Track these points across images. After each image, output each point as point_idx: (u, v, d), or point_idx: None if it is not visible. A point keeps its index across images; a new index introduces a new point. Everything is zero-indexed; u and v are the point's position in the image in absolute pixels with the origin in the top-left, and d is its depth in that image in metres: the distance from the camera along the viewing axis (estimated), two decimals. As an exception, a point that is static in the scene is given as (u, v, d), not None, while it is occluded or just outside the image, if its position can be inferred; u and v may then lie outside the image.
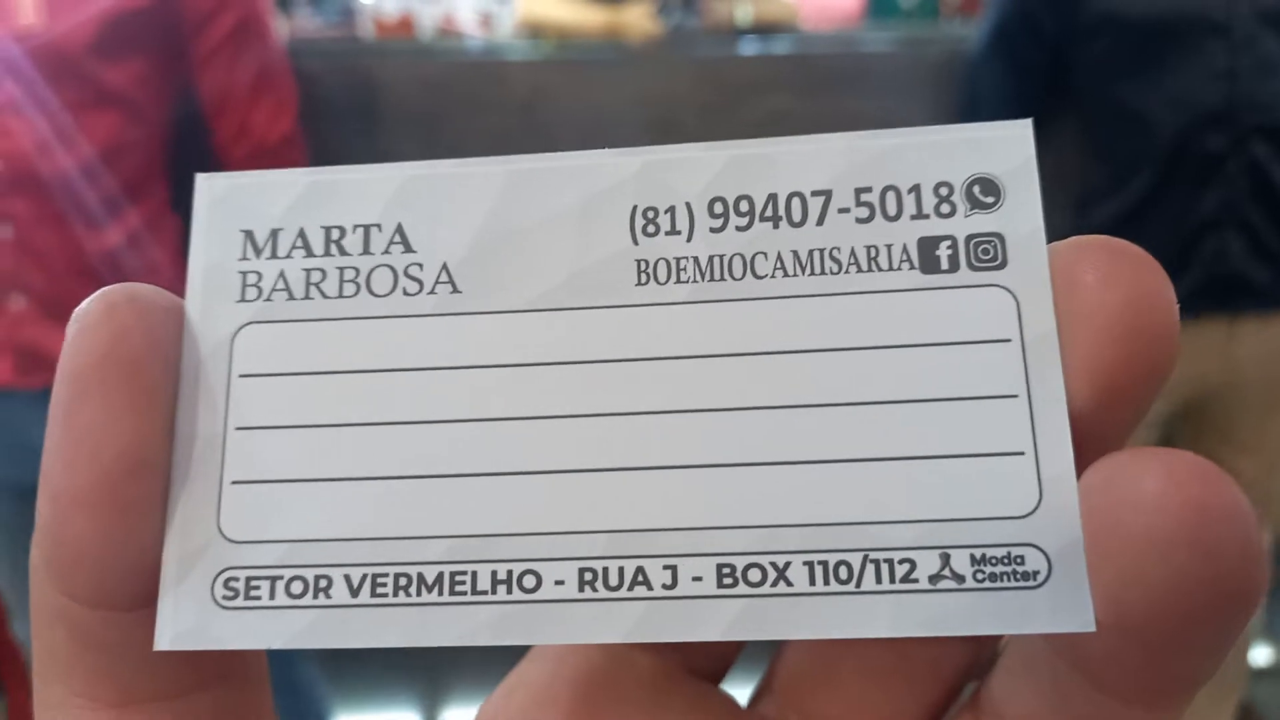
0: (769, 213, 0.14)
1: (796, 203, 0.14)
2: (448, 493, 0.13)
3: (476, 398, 0.14)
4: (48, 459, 0.13)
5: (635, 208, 0.14)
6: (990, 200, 0.14)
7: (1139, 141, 0.98)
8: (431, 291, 0.14)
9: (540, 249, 0.14)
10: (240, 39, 0.93)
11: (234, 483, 0.14)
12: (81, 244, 0.86)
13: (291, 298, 0.14)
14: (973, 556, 0.13)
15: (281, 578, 0.13)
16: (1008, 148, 0.14)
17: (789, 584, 0.13)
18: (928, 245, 0.14)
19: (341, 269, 0.14)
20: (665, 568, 0.13)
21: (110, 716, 0.13)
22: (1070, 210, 1.04)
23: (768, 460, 0.13)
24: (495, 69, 1.22)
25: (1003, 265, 0.13)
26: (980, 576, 0.13)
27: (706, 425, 0.13)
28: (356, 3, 1.52)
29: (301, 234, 0.15)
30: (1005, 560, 0.13)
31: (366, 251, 0.14)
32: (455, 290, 0.14)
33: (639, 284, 0.14)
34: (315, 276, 0.14)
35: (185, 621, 0.13)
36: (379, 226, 0.14)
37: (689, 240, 0.14)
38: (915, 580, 0.13)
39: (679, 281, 0.14)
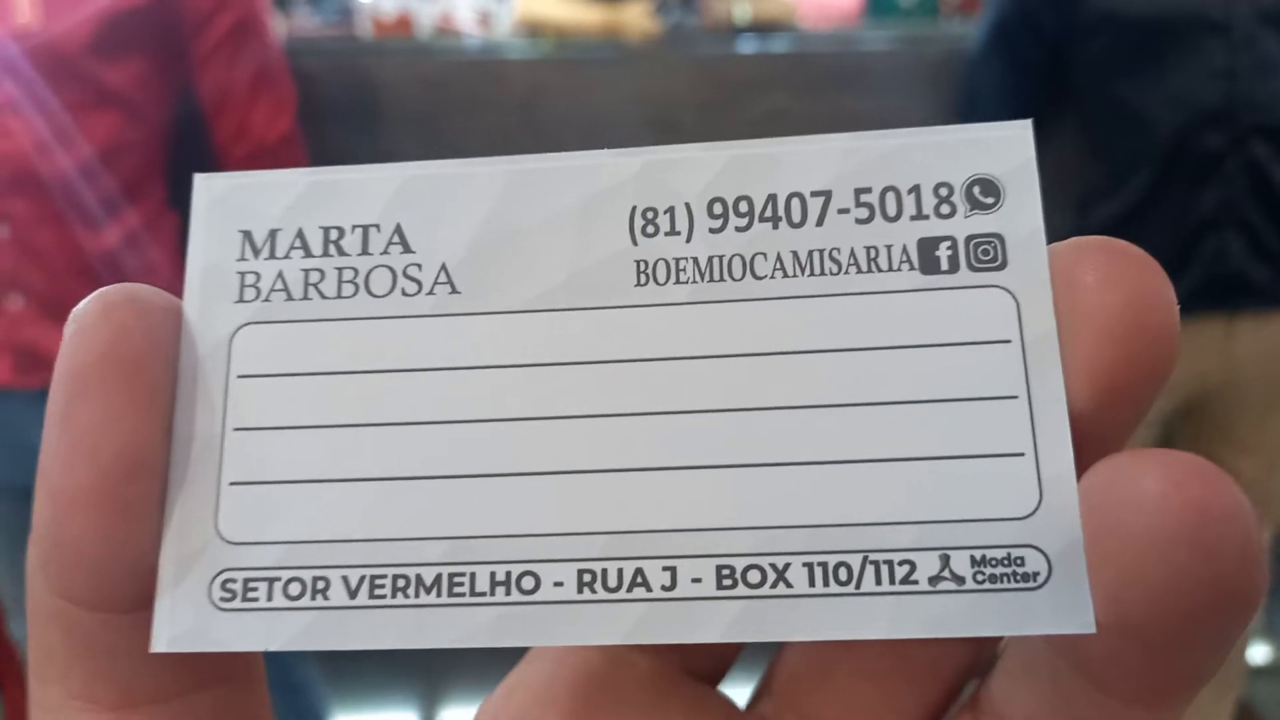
0: (768, 213, 0.14)
1: (796, 203, 0.14)
2: (446, 494, 0.13)
3: (475, 399, 0.14)
4: (45, 459, 0.13)
5: (635, 208, 0.14)
6: (990, 201, 0.14)
7: (1138, 141, 0.98)
8: (430, 292, 0.14)
9: (539, 249, 0.14)
10: (239, 39, 0.93)
11: (232, 484, 0.14)
12: (80, 244, 0.86)
13: (290, 298, 0.14)
14: (973, 558, 0.13)
15: (279, 579, 0.13)
16: (1007, 148, 0.14)
17: (788, 585, 0.13)
18: (927, 246, 0.14)
19: (340, 269, 0.14)
20: (664, 569, 0.13)
21: (108, 719, 0.13)
22: (1070, 210, 1.04)
23: (767, 461, 0.13)
24: (494, 68, 1.22)
25: (1003, 266, 0.13)
26: (980, 578, 0.13)
27: (705, 426, 0.13)
28: (355, 2, 1.52)
29: (300, 234, 0.15)
30: (1005, 561, 0.12)
31: (365, 252, 0.14)
32: (454, 291, 0.14)
33: (638, 284, 0.14)
34: (314, 277, 0.14)
35: (182, 623, 0.13)
36: (378, 227, 0.14)
37: (688, 241, 0.14)
38: (915, 581, 0.13)
39: (678, 282, 0.14)
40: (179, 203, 0.94)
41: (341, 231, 0.14)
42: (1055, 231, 0.13)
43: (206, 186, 0.15)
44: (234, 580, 0.13)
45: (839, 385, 0.13)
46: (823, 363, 0.13)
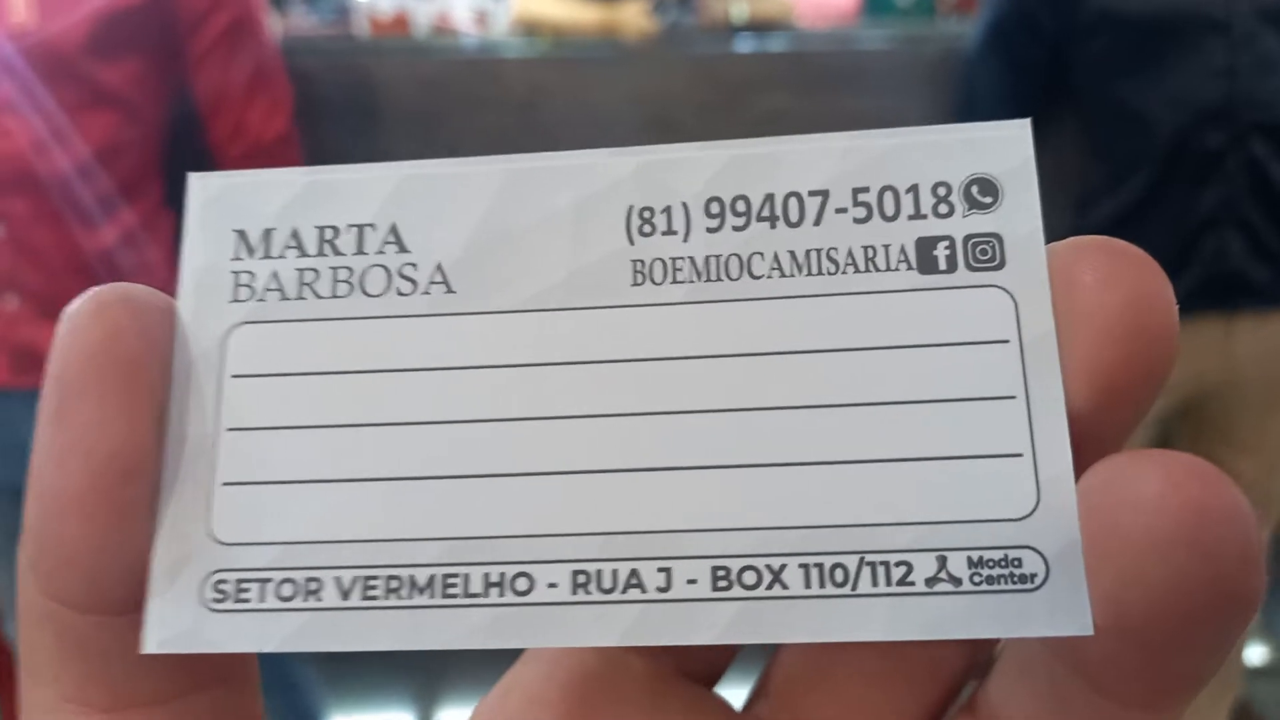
0: (766, 213, 0.14)
1: (794, 203, 0.14)
2: (441, 494, 0.13)
3: (470, 399, 0.14)
4: (37, 460, 0.13)
5: (631, 208, 0.14)
6: (988, 200, 0.14)
7: (1138, 140, 0.98)
8: (425, 292, 0.14)
9: (535, 249, 0.14)
10: (235, 38, 0.93)
11: (225, 484, 0.13)
12: (77, 243, 0.86)
13: (284, 298, 0.14)
14: (970, 559, 0.13)
15: (272, 580, 0.13)
16: (1006, 148, 0.14)
17: (784, 587, 0.13)
18: (925, 245, 0.14)
19: (335, 269, 0.14)
20: (660, 570, 0.13)
21: None
22: (1069, 210, 1.04)
23: (763, 462, 0.13)
24: (491, 67, 1.22)
25: (1001, 266, 0.13)
26: (977, 579, 0.12)
27: (701, 427, 0.13)
28: (351, 1, 1.51)
29: (295, 234, 0.14)
30: (1002, 563, 0.12)
31: (360, 251, 0.14)
32: (449, 290, 0.14)
33: (635, 284, 0.14)
34: (309, 276, 0.14)
35: (174, 624, 0.13)
36: (373, 226, 0.14)
37: (685, 240, 0.14)
38: (912, 583, 0.13)
39: (675, 282, 0.14)
40: (175, 202, 0.94)
41: (337, 231, 0.14)
42: (1054, 231, 0.13)
43: (201, 186, 0.15)
44: (226, 581, 0.13)
45: (836, 385, 0.13)
46: (820, 363, 0.13)
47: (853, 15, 1.62)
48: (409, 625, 0.13)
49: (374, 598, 0.13)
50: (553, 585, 0.13)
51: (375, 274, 0.14)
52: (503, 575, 0.13)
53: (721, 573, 0.13)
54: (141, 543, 0.13)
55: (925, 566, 0.13)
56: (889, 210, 0.14)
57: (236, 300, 0.14)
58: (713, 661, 0.17)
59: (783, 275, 0.14)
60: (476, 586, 0.13)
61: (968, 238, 0.13)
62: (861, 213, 0.14)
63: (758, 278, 0.14)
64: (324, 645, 0.13)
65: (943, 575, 0.13)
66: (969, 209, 0.14)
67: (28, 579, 0.13)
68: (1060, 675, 0.13)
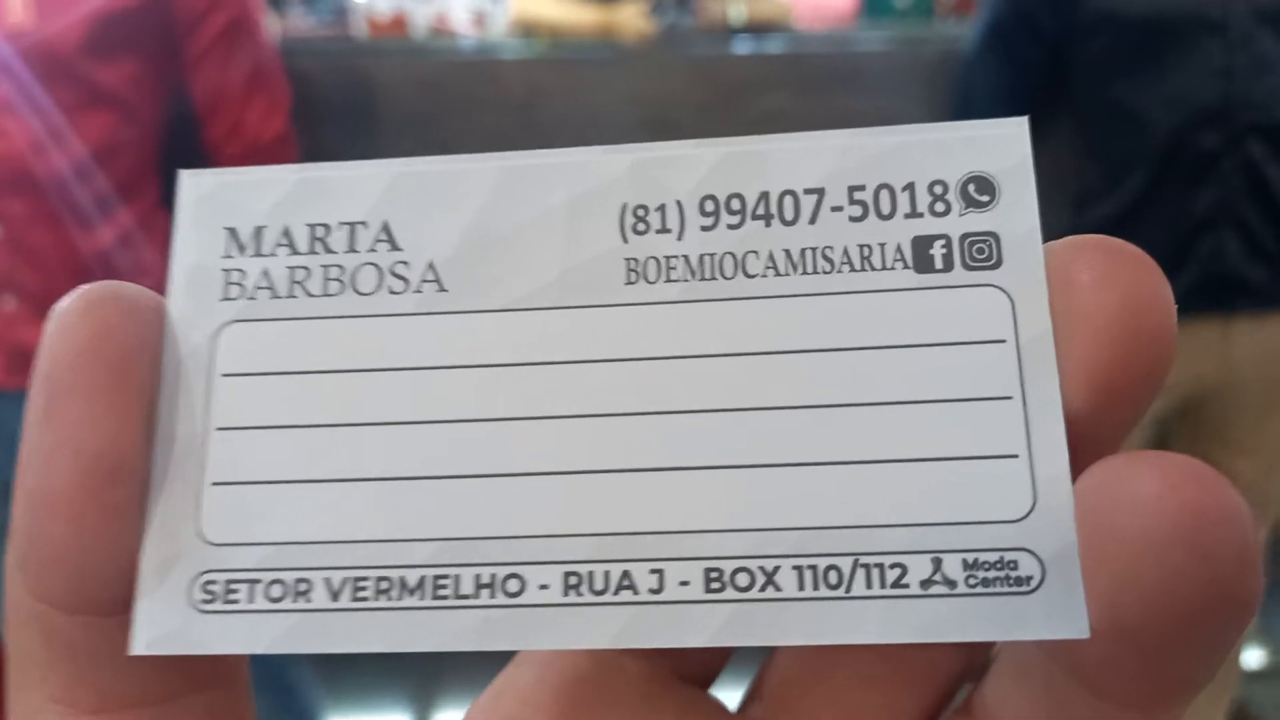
0: (761, 211, 0.14)
1: (789, 201, 0.14)
2: (431, 495, 0.13)
3: (461, 398, 0.14)
4: (24, 459, 0.13)
5: (625, 206, 0.14)
6: (985, 199, 0.13)
7: (1135, 141, 0.98)
8: (417, 290, 0.14)
9: (528, 248, 0.14)
10: (232, 38, 0.93)
11: (214, 484, 0.13)
12: (74, 244, 0.86)
13: (275, 296, 0.14)
14: (965, 561, 0.12)
15: (261, 581, 0.13)
16: (1003, 146, 0.14)
17: (778, 589, 0.13)
18: (922, 244, 0.13)
19: (326, 267, 0.14)
20: (652, 572, 0.13)
21: None
22: (1066, 210, 1.04)
23: (757, 462, 0.13)
24: (489, 68, 1.22)
25: (998, 265, 0.13)
26: (972, 581, 0.12)
27: (694, 427, 0.13)
28: (350, 2, 1.51)
29: (286, 231, 0.14)
30: (998, 565, 0.12)
31: (352, 249, 0.14)
32: (441, 289, 0.14)
33: (628, 283, 0.14)
34: (300, 274, 0.14)
35: (162, 625, 0.13)
36: (365, 224, 0.14)
37: (679, 239, 0.14)
38: (906, 585, 0.12)
39: (669, 281, 0.14)
40: (172, 203, 0.94)
41: (328, 229, 0.14)
42: (1051, 232, 0.13)
43: (192, 183, 0.15)
44: (215, 582, 0.13)
45: (831, 386, 0.13)
46: (815, 363, 0.13)
47: (850, 17, 1.62)
48: (399, 627, 0.13)
49: (364, 599, 0.13)
50: (544, 587, 0.13)
51: (367, 272, 0.14)
52: (494, 576, 0.13)
53: (714, 574, 0.13)
54: (130, 543, 0.13)
55: (920, 569, 0.12)
56: (885, 209, 0.14)
57: (227, 298, 0.14)
58: (707, 663, 0.17)
59: (778, 274, 0.14)
60: (467, 588, 0.13)
61: (964, 236, 0.13)
62: (857, 211, 0.14)
63: (752, 277, 0.14)
64: (313, 647, 0.13)
65: (937, 577, 0.12)
66: (966, 207, 0.13)
67: (15, 579, 0.13)
68: (1057, 677, 0.13)
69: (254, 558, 0.13)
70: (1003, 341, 0.13)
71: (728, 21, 1.40)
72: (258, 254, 0.14)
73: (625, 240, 0.14)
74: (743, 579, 0.13)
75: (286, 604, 0.13)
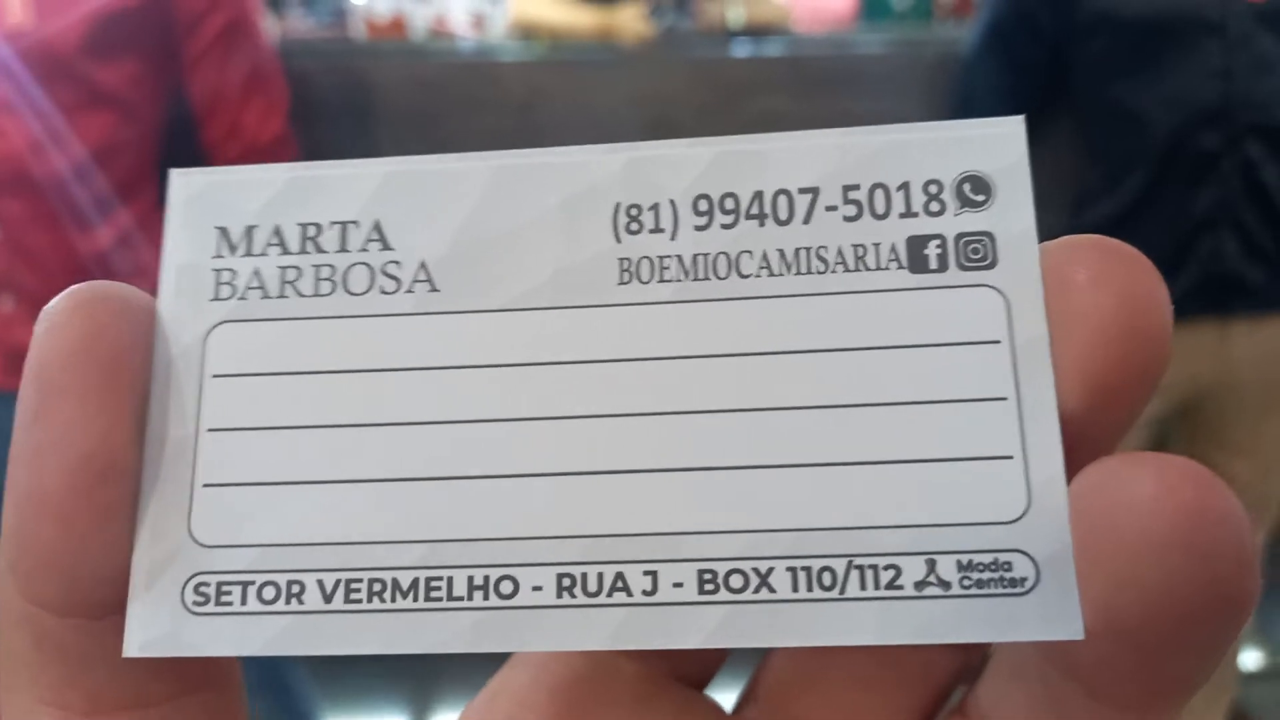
0: (755, 211, 0.14)
1: (783, 200, 0.14)
2: (424, 496, 0.13)
3: (454, 400, 0.13)
4: (14, 461, 0.13)
5: (619, 205, 0.14)
6: (981, 198, 0.13)
7: (1134, 141, 0.98)
8: (409, 290, 0.14)
9: (521, 248, 0.14)
10: (231, 39, 0.93)
11: (206, 486, 0.13)
12: (73, 244, 0.86)
13: (266, 296, 0.14)
14: (959, 562, 0.12)
15: (253, 583, 0.13)
16: (999, 145, 0.14)
17: (772, 590, 0.13)
18: (916, 244, 0.13)
19: (317, 267, 0.14)
20: (645, 573, 0.13)
21: None
22: (1066, 210, 1.04)
23: (750, 464, 0.13)
24: (488, 70, 1.22)
25: (993, 265, 0.13)
26: (967, 583, 0.12)
27: (688, 428, 0.13)
28: (348, 3, 1.52)
29: (277, 231, 0.14)
30: (992, 566, 0.12)
31: (343, 249, 0.14)
32: (433, 289, 0.14)
33: (621, 283, 0.14)
34: (291, 274, 0.14)
35: (155, 628, 0.13)
36: (356, 223, 0.14)
37: (673, 239, 0.14)
38: (900, 587, 0.12)
39: (662, 281, 0.14)
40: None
41: (319, 228, 0.14)
42: (1051, 232, 0.13)
43: (183, 183, 0.15)
44: (207, 584, 0.13)
45: (825, 386, 0.13)
46: (809, 363, 0.13)
47: (849, 19, 1.62)
48: (392, 629, 0.13)
49: (357, 601, 0.13)
50: (537, 588, 0.13)
51: (358, 272, 0.14)
52: (486, 578, 0.13)
53: (708, 576, 0.13)
54: (120, 544, 0.13)
55: (914, 570, 0.12)
56: (880, 208, 0.14)
57: (218, 298, 0.14)
58: (703, 665, 0.17)
59: (771, 274, 0.14)
60: (460, 590, 0.13)
61: (959, 236, 0.13)
62: (852, 211, 0.14)
63: (746, 277, 0.14)
64: (307, 649, 0.13)
65: (932, 579, 0.12)
66: (961, 207, 0.13)
67: (6, 581, 0.13)
68: (1052, 678, 0.13)
69: (246, 559, 0.13)
70: (997, 342, 0.13)
71: (726, 24, 1.41)
72: (249, 254, 0.14)
73: (619, 240, 0.14)
74: (736, 580, 0.13)
75: (279, 606, 0.13)
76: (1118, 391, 0.12)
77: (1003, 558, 0.12)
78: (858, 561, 0.13)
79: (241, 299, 0.14)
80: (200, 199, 0.14)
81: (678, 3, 1.56)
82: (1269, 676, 1.37)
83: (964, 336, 0.13)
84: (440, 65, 1.24)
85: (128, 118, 0.89)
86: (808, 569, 0.13)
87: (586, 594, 0.13)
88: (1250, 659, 1.37)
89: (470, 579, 0.13)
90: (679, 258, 0.14)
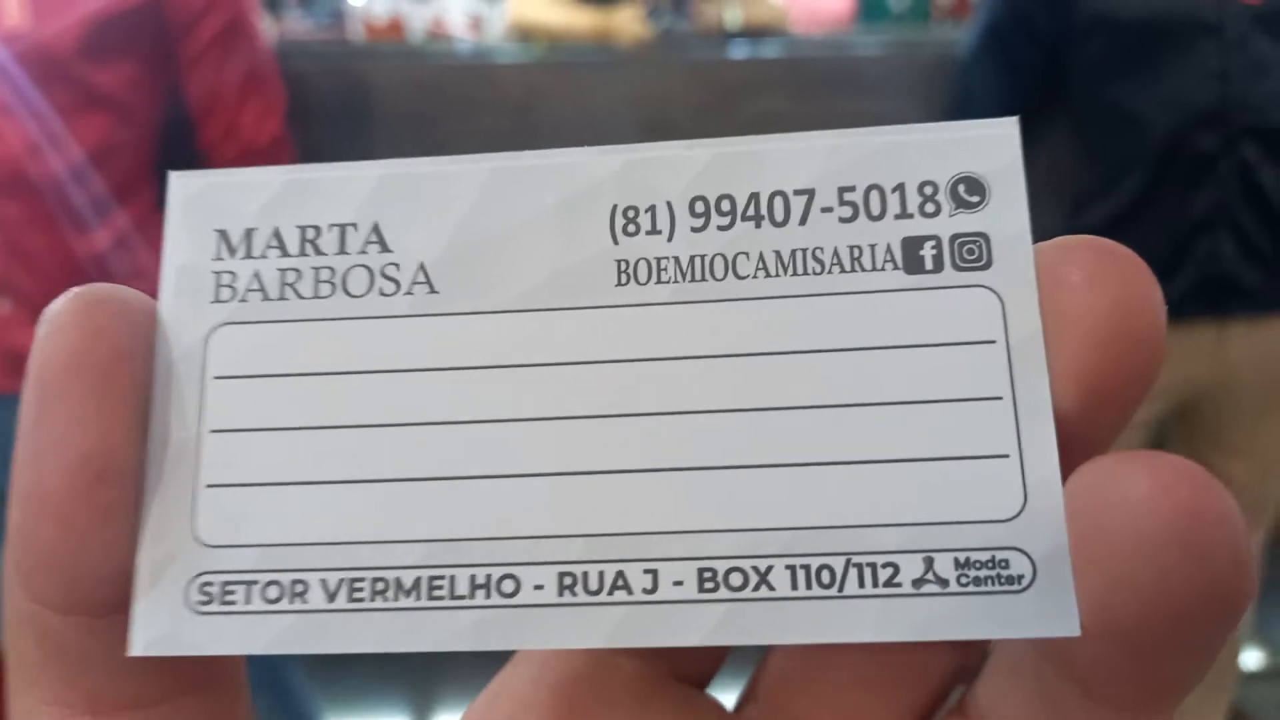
0: (751, 212, 0.14)
1: (779, 202, 0.14)
2: (425, 496, 0.13)
3: (453, 400, 0.14)
4: (17, 462, 0.13)
5: (615, 207, 0.14)
6: (975, 200, 0.14)
7: (1131, 142, 0.98)
8: (408, 292, 0.14)
9: (519, 249, 0.14)
10: (228, 41, 0.93)
11: (209, 486, 0.13)
12: (70, 246, 0.86)
13: (266, 298, 0.14)
14: (957, 560, 0.12)
15: (257, 582, 0.13)
16: (993, 146, 0.14)
17: (771, 588, 0.13)
18: (912, 245, 0.13)
19: (317, 269, 0.14)
20: (646, 572, 0.13)
21: None
22: (1063, 212, 1.04)
23: (749, 463, 0.13)
24: (486, 72, 1.22)
25: (988, 266, 0.13)
26: (964, 580, 0.12)
27: (687, 427, 0.13)
28: (346, 5, 1.52)
29: (277, 233, 0.14)
30: (990, 564, 0.12)
31: (342, 251, 0.14)
32: (432, 291, 0.14)
33: (619, 284, 0.14)
34: (290, 277, 0.14)
35: (159, 627, 0.13)
36: (355, 226, 0.14)
37: (670, 240, 0.14)
38: (899, 584, 0.12)
39: (660, 282, 0.14)
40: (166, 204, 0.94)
41: (318, 230, 0.14)
42: (1049, 233, 0.13)
43: (182, 185, 0.15)
44: (211, 583, 0.13)
45: (822, 386, 0.13)
46: (805, 363, 0.13)
47: (847, 20, 1.62)
48: (395, 627, 0.13)
49: (360, 600, 0.13)
50: (539, 587, 0.13)
51: (357, 274, 0.14)
52: (488, 577, 0.13)
53: (708, 574, 0.13)
54: (121, 545, 0.13)
55: (912, 568, 0.13)
56: (875, 209, 0.14)
57: (218, 301, 0.14)
58: (704, 664, 0.17)
59: (768, 275, 0.14)
60: (462, 588, 0.13)
61: (954, 237, 0.13)
62: (847, 212, 0.14)
63: (743, 278, 0.14)
64: (310, 647, 0.13)
65: (930, 576, 0.12)
66: (956, 208, 0.14)
67: (12, 580, 0.13)
68: (1049, 677, 0.13)
69: (250, 559, 0.13)
70: (993, 342, 0.13)
71: (724, 25, 1.41)
72: (248, 256, 0.14)
73: (616, 241, 0.14)
74: (736, 579, 0.13)
75: (283, 605, 0.13)
76: (1111, 392, 0.12)
77: (1000, 555, 0.12)
78: (856, 560, 0.13)
79: (242, 301, 0.14)
80: (199, 201, 0.15)
81: (675, 4, 1.56)
82: (1269, 677, 1.37)
83: (959, 336, 0.13)
84: (438, 67, 1.24)
85: (125, 119, 0.89)
86: (806, 567, 0.13)
87: (588, 592, 0.13)
88: (1250, 659, 1.37)
89: (472, 578, 0.13)
90: (676, 259, 0.14)
